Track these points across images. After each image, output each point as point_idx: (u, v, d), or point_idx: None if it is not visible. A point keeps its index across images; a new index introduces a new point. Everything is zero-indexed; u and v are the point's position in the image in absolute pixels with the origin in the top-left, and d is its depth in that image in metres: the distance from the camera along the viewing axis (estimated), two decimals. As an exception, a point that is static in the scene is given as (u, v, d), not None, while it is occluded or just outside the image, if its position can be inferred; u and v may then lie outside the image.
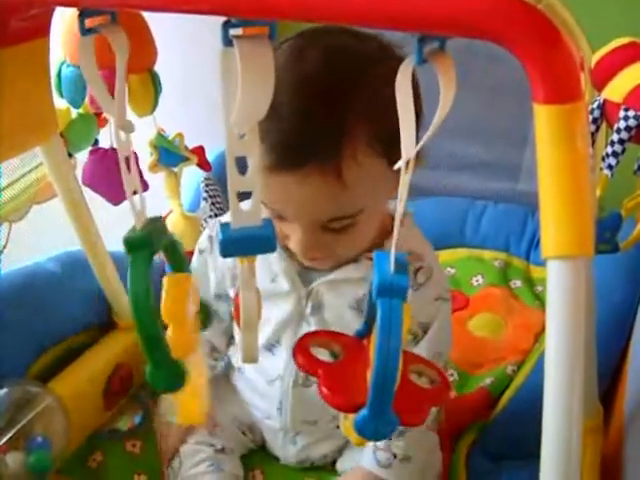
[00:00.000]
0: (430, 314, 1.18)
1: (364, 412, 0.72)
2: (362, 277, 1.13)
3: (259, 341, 1.18)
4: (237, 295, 0.82)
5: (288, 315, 1.19)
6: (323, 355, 0.82)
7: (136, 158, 1.39)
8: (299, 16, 0.69)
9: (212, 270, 1.28)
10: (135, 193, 0.83)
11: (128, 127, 0.83)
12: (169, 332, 0.82)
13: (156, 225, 0.86)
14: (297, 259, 1.14)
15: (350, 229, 1.05)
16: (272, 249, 0.78)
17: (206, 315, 0.93)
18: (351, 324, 1.15)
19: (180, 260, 0.90)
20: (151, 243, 0.82)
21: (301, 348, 0.83)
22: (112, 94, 0.82)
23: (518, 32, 0.62)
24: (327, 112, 0.95)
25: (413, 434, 1.18)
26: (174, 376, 0.81)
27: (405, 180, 0.71)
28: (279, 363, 1.22)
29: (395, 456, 1.18)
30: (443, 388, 0.82)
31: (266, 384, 1.26)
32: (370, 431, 0.73)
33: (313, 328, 1.18)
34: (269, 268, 1.17)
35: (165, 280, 0.84)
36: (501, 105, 2.02)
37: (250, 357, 0.85)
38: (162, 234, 0.86)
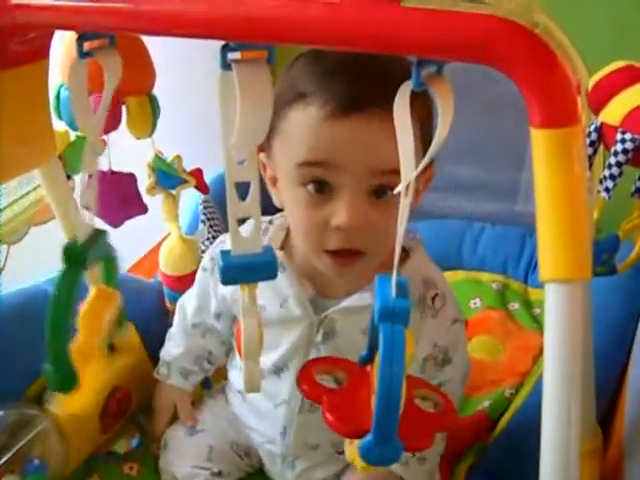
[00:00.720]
0: (449, 337, 1.19)
1: (369, 438, 0.72)
2: None
3: (266, 365, 1.20)
4: (238, 323, 0.83)
5: (298, 341, 1.19)
6: (327, 382, 0.82)
7: (135, 180, 1.41)
8: (296, 40, 0.70)
9: (213, 290, 1.29)
10: (87, 209, 0.91)
11: (98, 148, 0.87)
12: (77, 338, 0.87)
13: (97, 239, 0.90)
14: (310, 285, 1.15)
15: (388, 207, 1.01)
16: (273, 276, 0.78)
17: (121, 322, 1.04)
18: (362, 351, 1.16)
19: (112, 275, 0.95)
20: (86, 257, 0.90)
21: (305, 375, 0.83)
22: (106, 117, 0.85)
23: (515, 56, 0.62)
24: (390, 71, 0.92)
25: None
26: (67, 380, 0.91)
27: (405, 204, 0.71)
28: (285, 388, 1.22)
29: (413, 455, 1.18)
30: (448, 412, 0.82)
31: (271, 408, 1.26)
32: (375, 457, 0.73)
33: (322, 354, 1.17)
34: (278, 292, 1.16)
35: (92, 290, 0.89)
36: (498, 126, 2.02)
37: (252, 387, 0.85)
38: (103, 247, 0.93)
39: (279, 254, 1.15)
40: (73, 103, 0.87)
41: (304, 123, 1.01)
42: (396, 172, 0.98)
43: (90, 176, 0.89)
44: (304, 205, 1.04)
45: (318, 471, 1.29)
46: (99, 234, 0.89)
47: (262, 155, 1.12)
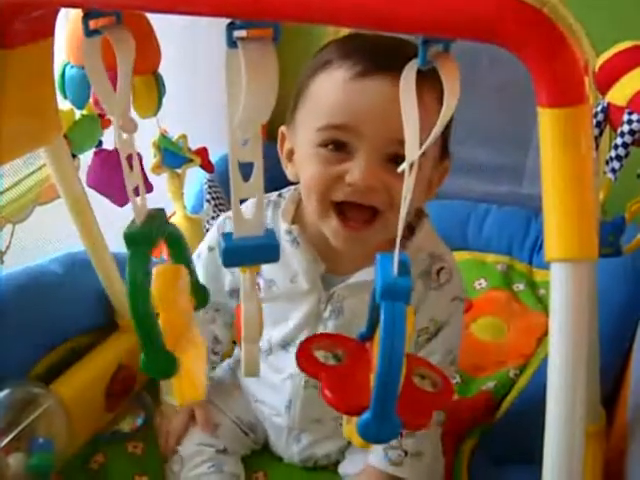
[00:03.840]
0: (446, 313, 1.20)
1: (367, 415, 0.72)
2: None
3: (275, 338, 1.20)
4: (238, 306, 0.83)
5: (306, 316, 1.20)
6: (326, 358, 0.82)
7: (140, 159, 1.40)
8: (303, 18, 0.69)
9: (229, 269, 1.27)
10: (137, 190, 0.85)
11: (130, 127, 0.84)
12: (161, 319, 0.86)
13: (156, 218, 0.88)
14: (322, 261, 1.16)
15: (404, 176, 1.01)
16: (275, 258, 0.78)
17: (201, 296, 0.97)
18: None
19: (181, 251, 0.93)
20: (150, 238, 0.85)
21: (304, 351, 0.83)
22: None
23: (522, 35, 0.62)
24: (405, 42, 0.99)
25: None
26: (166, 364, 0.84)
27: (410, 182, 0.71)
28: (292, 362, 1.21)
29: (406, 453, 1.18)
30: (446, 391, 0.81)
31: (278, 381, 1.27)
32: (373, 434, 0.73)
33: (330, 331, 1.18)
34: (289, 267, 1.17)
35: (155, 270, 0.87)
36: (504, 108, 2.02)
37: (251, 370, 0.85)
38: (163, 227, 0.89)
39: (294, 228, 1.17)
40: (93, 85, 0.86)
41: (328, 85, 1.05)
42: None
43: (130, 162, 0.86)
44: (321, 161, 1.06)
45: (323, 445, 1.30)
46: (157, 214, 0.88)
47: (283, 128, 1.15)
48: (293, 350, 1.20)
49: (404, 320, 0.69)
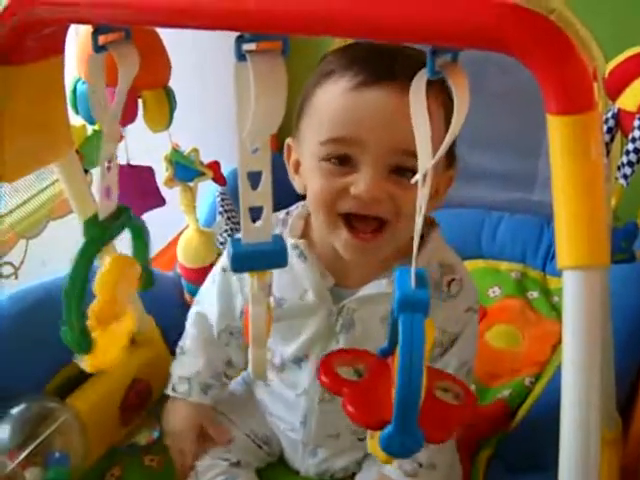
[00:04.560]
0: (459, 325, 1.18)
1: (389, 429, 0.72)
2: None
3: (287, 354, 1.20)
4: (246, 310, 0.83)
5: (318, 331, 1.19)
6: (347, 374, 0.82)
7: (153, 173, 1.42)
8: (310, 30, 0.70)
9: (238, 288, 1.27)
10: (108, 190, 0.95)
11: (115, 137, 0.92)
12: (96, 301, 0.98)
13: (119, 216, 0.99)
14: (330, 275, 1.16)
15: (409, 186, 1.00)
16: (283, 264, 0.78)
17: (147, 280, 1.07)
18: (381, 340, 1.16)
19: (141, 242, 1.05)
20: (104, 233, 0.97)
21: (325, 367, 0.82)
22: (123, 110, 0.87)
23: (530, 43, 0.62)
24: (406, 52, 1.01)
25: None
26: (81, 342, 0.99)
27: (424, 192, 0.71)
28: (305, 378, 1.23)
29: (421, 465, 1.17)
30: (469, 404, 0.81)
31: (292, 397, 1.26)
32: (396, 447, 0.73)
33: (342, 345, 1.18)
34: (298, 283, 1.17)
35: (109, 258, 0.95)
36: (515, 114, 2.01)
37: (259, 373, 0.85)
38: (125, 223, 1.01)
39: (301, 243, 1.16)
40: (90, 96, 0.89)
41: (331, 97, 1.05)
42: (416, 155, 1.01)
43: (109, 167, 0.92)
44: (326, 175, 1.05)
45: (340, 459, 1.30)
46: (121, 211, 0.94)
47: (289, 140, 1.15)
48: (306, 366, 1.22)
49: (423, 331, 0.70)
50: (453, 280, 1.17)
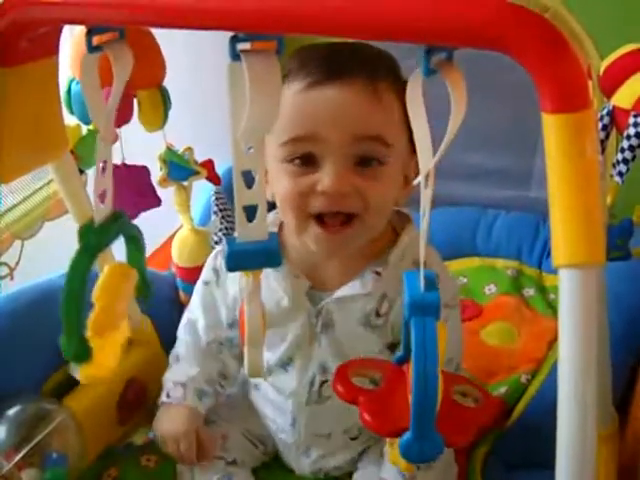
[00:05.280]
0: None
1: (407, 435, 0.72)
2: (369, 293, 1.14)
3: (272, 360, 1.20)
4: (242, 310, 0.83)
5: (299, 334, 1.19)
6: (363, 383, 0.82)
7: (148, 173, 1.42)
8: (304, 30, 0.70)
9: (222, 301, 1.28)
10: (104, 194, 0.94)
11: (110, 138, 0.93)
12: (95, 309, 0.96)
13: (115, 221, 0.97)
14: (306, 278, 1.16)
15: (376, 176, 1.05)
16: (277, 263, 0.79)
17: (145, 289, 1.06)
18: (362, 341, 1.16)
19: (136, 248, 1.03)
20: (100, 238, 0.96)
21: (340, 377, 0.82)
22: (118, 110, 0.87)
23: (524, 42, 0.62)
24: (365, 51, 1.05)
25: None
26: (80, 352, 0.96)
27: (428, 194, 0.71)
28: (292, 381, 1.23)
29: (418, 467, 1.17)
30: (487, 407, 0.81)
31: (281, 401, 1.26)
32: (415, 453, 0.73)
33: (325, 346, 1.19)
34: (275, 292, 1.17)
35: (108, 267, 0.94)
36: (511, 112, 2.02)
37: (255, 372, 0.85)
38: (121, 228, 0.99)
39: None
40: (85, 96, 0.89)
41: (285, 98, 1.03)
42: (377, 139, 1.04)
43: (104, 168, 0.92)
44: (291, 176, 1.07)
45: (334, 458, 1.29)
46: (116, 216, 0.93)
47: None
48: (292, 369, 1.22)
49: (435, 334, 0.70)
50: None
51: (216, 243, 1.69)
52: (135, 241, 1.01)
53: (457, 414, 0.77)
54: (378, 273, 1.14)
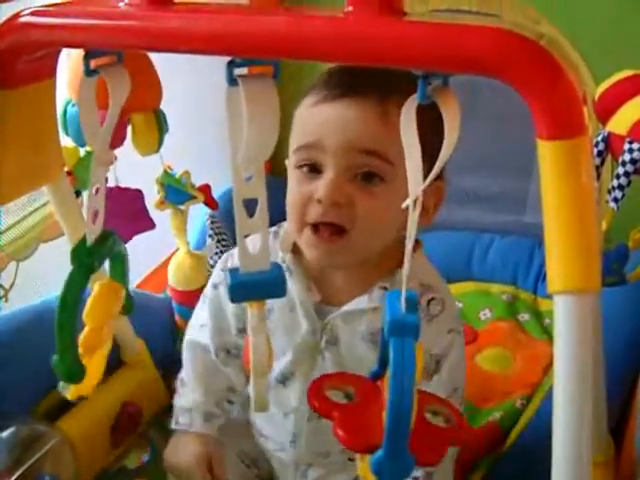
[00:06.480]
0: (443, 346, 1.17)
1: (380, 453, 0.72)
2: (376, 307, 1.14)
3: (273, 373, 1.19)
4: (247, 340, 0.83)
5: (303, 348, 1.19)
6: (337, 397, 0.81)
7: (142, 196, 1.42)
8: (301, 55, 0.70)
9: (230, 304, 1.25)
10: (96, 214, 0.94)
11: (106, 161, 0.94)
12: (86, 329, 0.97)
13: (106, 241, 0.97)
14: (316, 290, 1.17)
15: (375, 192, 1.07)
16: (281, 294, 0.78)
17: (128, 305, 1.05)
18: (366, 357, 1.15)
19: (120, 267, 1.03)
20: (93, 259, 0.95)
21: (315, 391, 0.82)
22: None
23: (520, 69, 0.62)
24: (386, 74, 1.03)
25: None
26: (75, 372, 0.96)
27: (414, 217, 0.71)
28: (293, 396, 1.22)
29: (417, 479, 1.16)
30: (459, 427, 0.81)
31: (280, 416, 1.25)
32: (386, 472, 0.72)
33: (328, 362, 1.18)
34: (289, 297, 1.17)
35: (97, 286, 0.94)
36: (505, 137, 2.02)
37: (261, 405, 0.85)
38: (112, 247, 0.98)
39: (287, 257, 1.18)
40: (82, 119, 0.89)
41: (302, 109, 1.12)
42: (376, 154, 1.06)
43: (97, 190, 0.92)
44: (297, 182, 1.11)
45: (331, 479, 1.28)
46: (107, 235, 0.94)
47: None
48: (292, 385, 1.21)
49: (414, 355, 0.70)
50: (433, 299, 1.16)
51: (212, 267, 1.69)
52: (121, 258, 1.02)
53: (429, 434, 0.77)
54: (385, 288, 1.14)
